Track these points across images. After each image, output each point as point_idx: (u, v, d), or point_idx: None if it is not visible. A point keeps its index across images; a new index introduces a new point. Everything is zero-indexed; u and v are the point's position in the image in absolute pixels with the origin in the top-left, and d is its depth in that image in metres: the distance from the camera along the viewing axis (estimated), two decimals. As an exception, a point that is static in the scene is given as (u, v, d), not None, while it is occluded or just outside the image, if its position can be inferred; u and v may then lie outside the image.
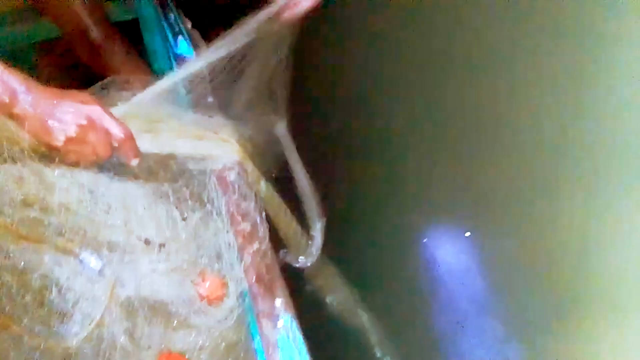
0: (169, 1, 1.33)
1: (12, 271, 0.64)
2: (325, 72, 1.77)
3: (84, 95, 0.79)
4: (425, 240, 1.43)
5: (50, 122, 0.74)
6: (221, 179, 0.93)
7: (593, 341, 1.13)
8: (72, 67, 1.46)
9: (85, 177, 0.76)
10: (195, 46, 1.25)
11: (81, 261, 0.67)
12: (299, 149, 1.22)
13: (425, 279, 1.39)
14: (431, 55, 1.52)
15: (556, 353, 1.19)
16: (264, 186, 1.01)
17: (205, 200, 0.89)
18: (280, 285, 0.81)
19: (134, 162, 0.82)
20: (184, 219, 0.82)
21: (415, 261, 1.43)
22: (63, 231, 0.67)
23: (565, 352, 1.18)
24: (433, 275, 1.39)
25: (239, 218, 0.89)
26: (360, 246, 1.47)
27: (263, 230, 0.88)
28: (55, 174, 0.74)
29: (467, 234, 1.36)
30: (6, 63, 0.74)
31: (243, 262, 0.82)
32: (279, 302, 0.78)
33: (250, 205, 0.91)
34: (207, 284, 0.80)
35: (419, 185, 1.49)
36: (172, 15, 1.28)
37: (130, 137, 0.80)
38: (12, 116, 0.74)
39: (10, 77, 0.73)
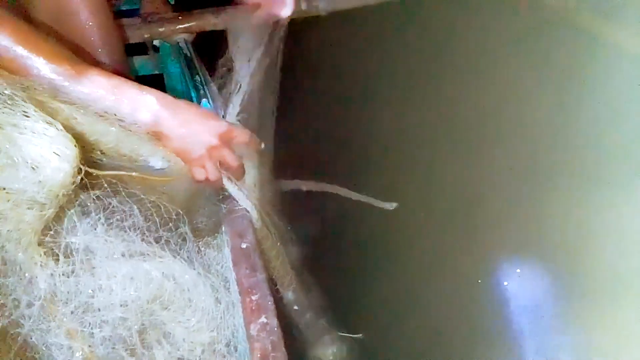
0: (196, 63, 1.38)
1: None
2: (323, 74, 1.78)
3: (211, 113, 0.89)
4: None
5: (189, 139, 0.83)
6: (234, 247, 0.93)
7: (592, 330, 1.16)
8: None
9: (178, 268, 0.77)
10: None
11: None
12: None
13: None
14: (436, 59, 1.58)
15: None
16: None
17: (219, 267, 0.89)
18: (285, 365, 0.79)
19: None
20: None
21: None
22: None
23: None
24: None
25: (248, 289, 0.88)
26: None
27: (271, 304, 0.88)
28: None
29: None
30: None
31: (249, 337, 0.81)
32: (283, 382, 0.76)
33: (260, 277, 0.90)
34: None
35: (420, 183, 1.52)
36: (198, 78, 1.31)
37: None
38: (156, 135, 0.82)
39: (149, 97, 0.80)
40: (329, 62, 1.76)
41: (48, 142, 0.64)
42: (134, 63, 1.47)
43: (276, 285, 1.06)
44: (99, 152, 0.79)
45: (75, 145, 0.66)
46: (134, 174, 0.79)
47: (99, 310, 0.68)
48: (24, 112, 0.65)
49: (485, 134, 1.48)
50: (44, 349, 0.64)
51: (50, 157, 0.64)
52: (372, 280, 1.36)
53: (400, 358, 1.22)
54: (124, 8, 1.56)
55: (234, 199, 0.99)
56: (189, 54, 1.41)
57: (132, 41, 1.43)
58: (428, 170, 1.52)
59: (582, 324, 1.19)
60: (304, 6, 1.49)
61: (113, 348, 0.68)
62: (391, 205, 1.46)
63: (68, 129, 0.67)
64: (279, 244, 1.05)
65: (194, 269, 0.79)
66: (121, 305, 0.69)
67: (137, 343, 0.69)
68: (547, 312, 1.26)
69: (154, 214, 0.78)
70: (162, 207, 0.78)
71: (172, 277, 0.74)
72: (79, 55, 0.81)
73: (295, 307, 1.12)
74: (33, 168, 0.63)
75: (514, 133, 1.42)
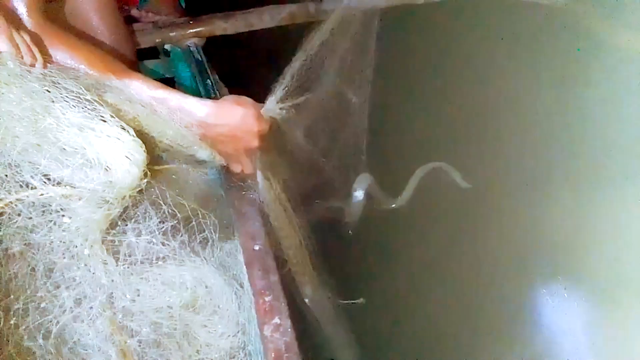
0: (207, 67, 1.39)
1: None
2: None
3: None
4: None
5: (232, 143, 0.90)
6: (247, 249, 0.94)
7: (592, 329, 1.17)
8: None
9: (209, 274, 0.81)
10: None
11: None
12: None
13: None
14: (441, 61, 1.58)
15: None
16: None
17: (230, 269, 0.90)
18: (299, 365, 0.80)
19: None
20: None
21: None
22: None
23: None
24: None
25: (261, 291, 0.89)
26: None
27: (284, 305, 0.89)
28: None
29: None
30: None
31: (263, 338, 0.82)
32: (297, 383, 0.78)
33: (273, 279, 0.92)
34: None
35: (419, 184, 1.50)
36: (209, 82, 1.33)
37: None
38: (202, 136, 0.87)
39: (193, 105, 0.86)
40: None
41: (121, 147, 0.69)
42: (146, 67, 1.49)
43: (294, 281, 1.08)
44: (159, 149, 0.85)
45: (144, 151, 0.71)
46: (184, 166, 0.87)
47: (142, 311, 0.72)
48: (102, 116, 0.70)
49: (485, 134, 1.47)
50: (89, 343, 0.68)
51: (122, 161, 0.69)
52: (373, 281, 1.36)
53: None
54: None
55: (253, 194, 1.01)
56: (200, 58, 1.43)
57: (143, 45, 1.45)
58: (428, 171, 1.52)
59: (582, 323, 1.19)
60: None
61: (151, 348, 0.71)
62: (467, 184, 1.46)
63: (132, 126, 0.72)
64: (299, 240, 1.08)
65: (221, 276, 0.81)
66: (157, 309, 0.73)
67: (168, 345, 0.71)
68: (547, 313, 1.26)
69: (188, 220, 0.81)
70: (199, 213, 0.81)
71: (204, 284, 0.78)
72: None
73: (307, 300, 1.13)
74: (106, 169, 0.68)
75: (514, 133, 1.42)
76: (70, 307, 0.65)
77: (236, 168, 0.98)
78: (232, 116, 0.89)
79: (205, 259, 0.81)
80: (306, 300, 1.13)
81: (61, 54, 0.79)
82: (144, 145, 0.71)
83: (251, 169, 0.98)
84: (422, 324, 1.27)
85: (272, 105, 0.96)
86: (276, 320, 0.84)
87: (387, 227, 1.45)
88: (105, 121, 0.69)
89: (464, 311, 1.28)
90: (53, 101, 0.65)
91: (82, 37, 1.09)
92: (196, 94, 1.34)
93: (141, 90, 0.83)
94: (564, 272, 1.25)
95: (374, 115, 1.63)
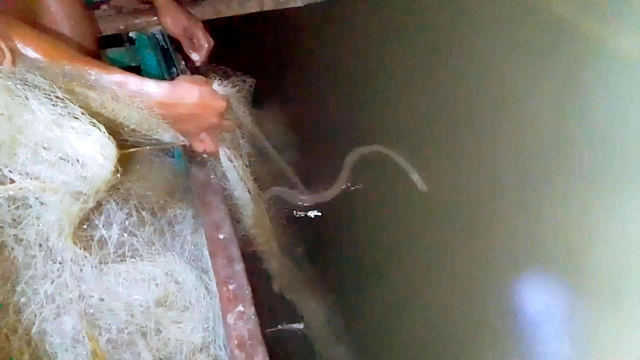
0: (173, 54, 1.39)
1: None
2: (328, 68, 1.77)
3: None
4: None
5: (190, 123, 0.91)
6: (211, 238, 0.95)
7: (592, 330, 1.18)
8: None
9: (180, 270, 0.83)
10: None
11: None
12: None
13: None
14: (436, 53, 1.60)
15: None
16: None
17: (200, 262, 0.91)
18: (262, 353, 0.83)
19: None
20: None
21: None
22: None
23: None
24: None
25: (225, 279, 0.91)
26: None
27: (248, 293, 0.91)
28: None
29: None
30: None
31: (226, 326, 0.84)
32: (260, 370, 0.80)
33: (237, 267, 0.93)
34: None
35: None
36: (174, 69, 1.32)
37: None
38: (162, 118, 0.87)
39: (150, 90, 0.85)
40: (325, 60, 1.77)
41: (93, 142, 0.70)
42: (110, 55, 1.47)
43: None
44: (124, 132, 0.85)
45: (115, 146, 0.72)
46: (147, 148, 0.89)
47: (112, 309, 0.74)
48: (74, 114, 0.70)
49: (485, 135, 1.49)
50: (60, 341, 0.69)
51: (95, 156, 0.70)
52: (370, 284, 1.36)
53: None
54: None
55: (217, 181, 1.02)
56: (165, 46, 1.42)
57: (107, 33, 1.44)
58: (426, 172, 1.55)
59: (582, 324, 1.21)
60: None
61: (121, 346, 0.73)
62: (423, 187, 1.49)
63: (97, 115, 0.75)
64: (263, 218, 1.10)
65: (192, 271, 0.82)
66: (128, 307, 0.74)
67: (138, 342, 0.73)
68: (547, 314, 1.28)
69: (157, 213, 0.82)
70: (169, 205, 0.82)
71: (175, 279, 0.80)
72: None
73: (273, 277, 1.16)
74: (82, 165, 0.69)
75: (514, 135, 1.44)
76: (44, 303, 0.66)
77: (199, 147, 0.98)
78: (190, 95, 0.89)
79: (176, 254, 0.82)
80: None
81: (31, 52, 0.76)
82: (114, 141, 0.72)
83: (213, 147, 0.98)
84: (415, 325, 1.28)
85: (221, 83, 0.97)
86: (240, 308, 0.86)
87: (383, 229, 1.46)
88: (77, 118, 0.69)
89: (459, 311, 1.28)
90: (27, 98, 0.65)
91: (37, 25, 1.09)
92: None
93: (100, 76, 0.82)
94: (561, 272, 1.26)
95: (374, 114, 1.65)
